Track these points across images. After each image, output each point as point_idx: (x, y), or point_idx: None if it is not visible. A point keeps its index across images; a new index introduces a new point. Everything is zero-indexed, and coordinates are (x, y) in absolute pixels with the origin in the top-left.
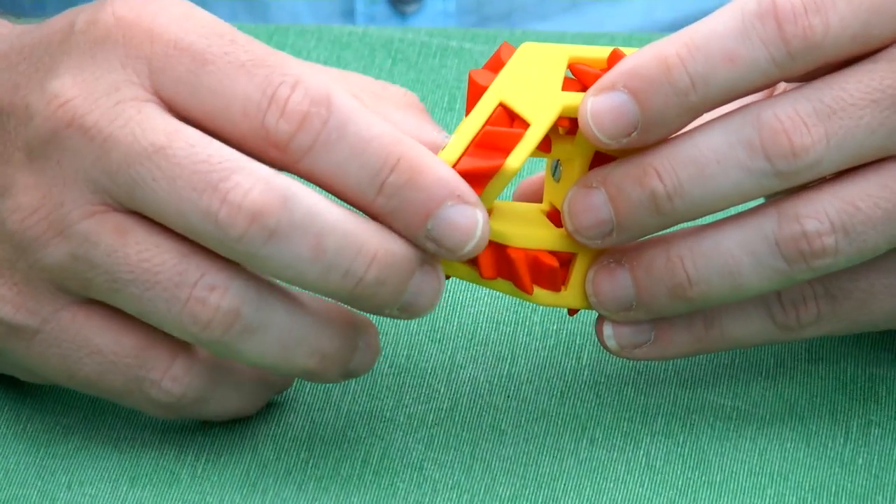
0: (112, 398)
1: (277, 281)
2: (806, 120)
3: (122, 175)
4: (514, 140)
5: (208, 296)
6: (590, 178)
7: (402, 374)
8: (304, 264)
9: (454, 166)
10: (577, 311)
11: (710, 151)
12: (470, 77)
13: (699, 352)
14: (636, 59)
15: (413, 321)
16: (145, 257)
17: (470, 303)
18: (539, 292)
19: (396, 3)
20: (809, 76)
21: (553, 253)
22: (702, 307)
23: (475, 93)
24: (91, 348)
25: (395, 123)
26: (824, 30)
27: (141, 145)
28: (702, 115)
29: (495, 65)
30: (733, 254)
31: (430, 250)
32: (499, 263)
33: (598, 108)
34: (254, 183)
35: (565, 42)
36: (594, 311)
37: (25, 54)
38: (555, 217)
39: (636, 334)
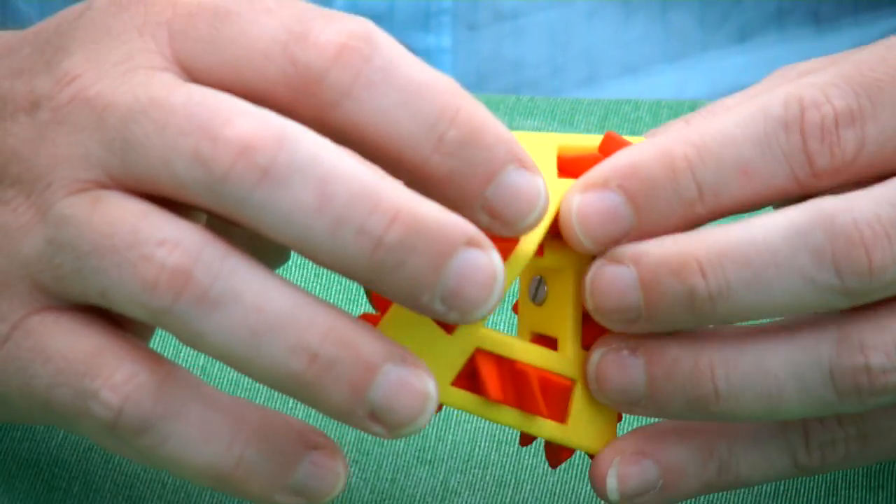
0: (67, 425)
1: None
2: (890, 231)
3: (118, 139)
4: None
5: (155, 251)
6: (621, 253)
7: (387, 502)
8: (307, 216)
9: None
10: (569, 456)
11: (769, 253)
12: None
13: (706, 493)
14: (636, 154)
15: (399, 441)
16: (106, 220)
17: (466, 418)
18: (547, 423)
19: None
20: (846, 189)
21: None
22: (721, 421)
23: None
24: (46, 355)
25: None
26: (857, 146)
27: (140, 102)
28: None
29: None
30: (777, 375)
31: (483, 223)
32: (505, 383)
33: (586, 207)
34: (249, 119)
35: (580, 111)
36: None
37: (30, 39)
38: (541, 345)
39: (642, 482)
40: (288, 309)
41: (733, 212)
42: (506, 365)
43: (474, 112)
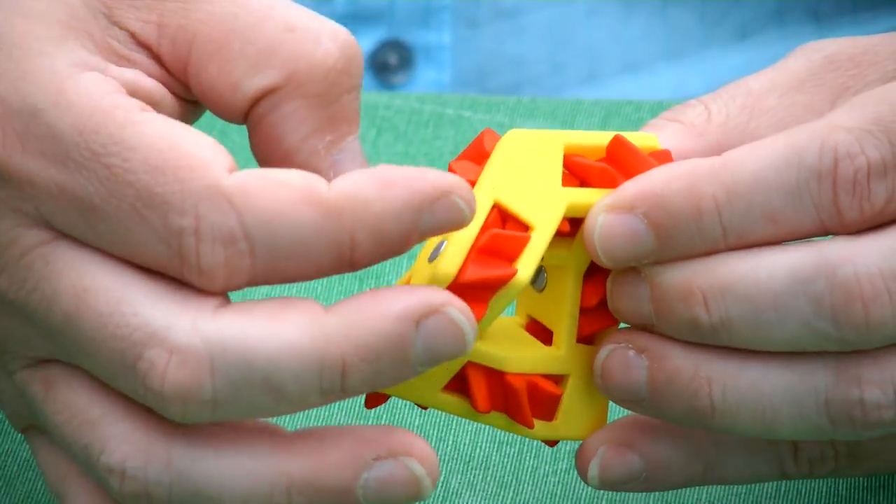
0: None
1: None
2: (891, 286)
3: (52, 341)
4: (521, 245)
5: (104, 459)
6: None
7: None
8: (274, 406)
9: (459, 278)
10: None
11: (771, 295)
12: (450, 169)
13: (688, 487)
14: (663, 183)
15: None
16: (59, 406)
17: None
18: (536, 424)
19: (381, 73)
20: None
21: (546, 376)
22: (719, 433)
23: None
24: None
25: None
26: (887, 198)
27: (56, 317)
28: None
29: (477, 154)
30: (773, 400)
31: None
32: (494, 393)
33: (610, 229)
34: (168, 358)
35: (581, 112)
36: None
37: None
38: (535, 332)
39: (625, 473)
40: (247, 482)
41: (755, 246)
42: (495, 377)
43: (369, 223)
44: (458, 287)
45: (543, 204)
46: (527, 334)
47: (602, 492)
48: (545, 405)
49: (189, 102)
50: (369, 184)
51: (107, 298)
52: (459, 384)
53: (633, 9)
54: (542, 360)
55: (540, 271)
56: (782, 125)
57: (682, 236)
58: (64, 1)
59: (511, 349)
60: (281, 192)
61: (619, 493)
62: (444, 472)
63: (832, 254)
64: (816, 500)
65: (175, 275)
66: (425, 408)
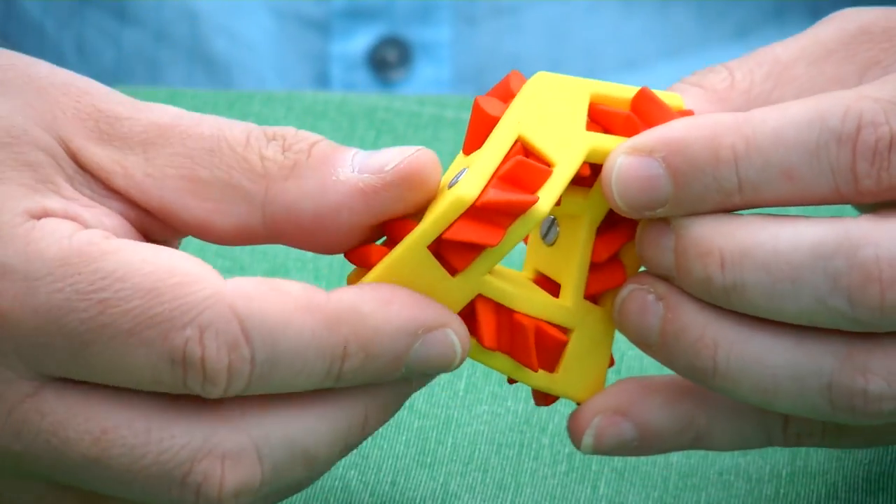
0: None
1: None
2: None
3: (74, 478)
4: (543, 178)
5: None
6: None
7: (387, 502)
8: (308, 475)
9: (478, 199)
10: (553, 400)
11: (789, 266)
12: (476, 104)
13: (675, 452)
14: (685, 129)
15: (399, 443)
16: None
17: (466, 420)
18: (537, 373)
19: (379, 70)
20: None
21: (552, 325)
22: (719, 393)
23: (482, 123)
24: None
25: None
26: None
27: (72, 460)
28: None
29: (503, 93)
30: (776, 374)
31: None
32: (501, 331)
33: (628, 171)
34: (222, 464)
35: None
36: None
37: None
38: (544, 287)
39: (618, 441)
40: None
41: (769, 206)
42: (504, 314)
43: (361, 334)
44: (477, 210)
45: (567, 143)
46: (535, 285)
47: (601, 492)
48: (549, 352)
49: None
50: (370, 298)
51: (134, 431)
52: (468, 320)
53: (631, 6)
54: (550, 307)
55: (552, 225)
56: (807, 95)
57: (699, 184)
58: (25, 160)
59: (522, 291)
60: (281, 299)
61: (618, 494)
62: (442, 474)
63: (856, 232)
64: (816, 501)
65: (174, 390)
66: None
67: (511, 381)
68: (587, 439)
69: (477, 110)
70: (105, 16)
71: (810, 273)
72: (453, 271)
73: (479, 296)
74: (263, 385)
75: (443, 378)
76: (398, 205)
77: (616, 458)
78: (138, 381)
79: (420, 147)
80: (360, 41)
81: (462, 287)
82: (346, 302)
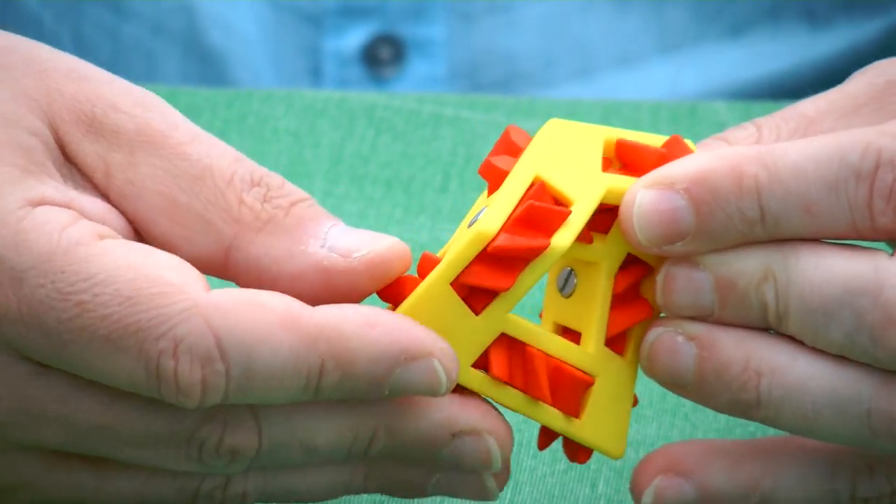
0: None
1: None
2: None
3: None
4: (560, 219)
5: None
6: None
7: (387, 503)
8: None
9: (491, 243)
10: (588, 457)
11: (820, 299)
12: (488, 163)
13: None
14: (707, 161)
15: None
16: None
17: None
18: (553, 412)
19: (372, 66)
20: None
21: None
22: (760, 423)
23: (495, 177)
24: None
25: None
26: None
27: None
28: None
29: (508, 148)
30: (816, 400)
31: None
32: (513, 364)
33: (649, 204)
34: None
35: (579, 112)
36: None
37: None
38: (565, 338)
39: (679, 502)
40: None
41: (790, 237)
42: (518, 347)
43: (339, 349)
44: (489, 255)
45: (584, 182)
46: (556, 335)
47: (600, 491)
48: (569, 392)
49: None
50: (354, 319)
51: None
52: (483, 361)
53: (626, 3)
54: (573, 352)
55: (569, 276)
56: None
57: (722, 214)
58: (20, 143)
59: (541, 331)
60: (260, 313)
61: (617, 493)
62: None
63: (883, 272)
64: None
65: (150, 394)
66: (458, 391)
67: (543, 443)
68: (646, 498)
69: (490, 168)
70: (102, 9)
71: (839, 308)
72: (477, 311)
73: (503, 335)
74: (243, 397)
75: None
76: (357, 290)
77: (614, 465)
78: (117, 384)
79: (395, 240)
80: (354, 38)
81: (486, 326)
82: (328, 319)
